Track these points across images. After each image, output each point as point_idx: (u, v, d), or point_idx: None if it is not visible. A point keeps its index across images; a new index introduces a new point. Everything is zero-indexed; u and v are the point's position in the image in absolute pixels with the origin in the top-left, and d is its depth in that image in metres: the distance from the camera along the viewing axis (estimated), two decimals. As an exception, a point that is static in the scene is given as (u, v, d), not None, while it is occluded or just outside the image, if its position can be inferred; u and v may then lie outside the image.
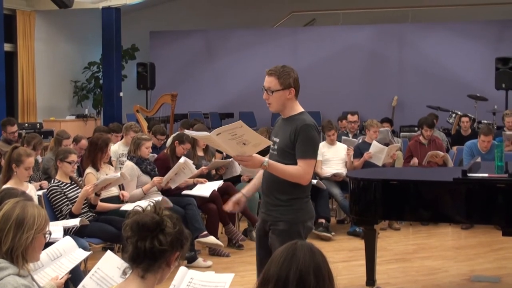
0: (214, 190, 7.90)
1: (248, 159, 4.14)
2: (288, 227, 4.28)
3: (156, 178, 7.49)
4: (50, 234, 3.25)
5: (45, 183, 7.47)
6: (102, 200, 6.73)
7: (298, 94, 4.42)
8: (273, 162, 4.27)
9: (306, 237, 4.36)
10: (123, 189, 7.33)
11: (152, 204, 2.72)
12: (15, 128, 9.56)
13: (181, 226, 2.70)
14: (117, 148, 8.83)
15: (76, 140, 8.62)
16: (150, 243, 2.61)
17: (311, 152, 4.27)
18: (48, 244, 4.25)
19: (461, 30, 16.12)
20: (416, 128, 11.56)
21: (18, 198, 3.39)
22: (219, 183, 8.01)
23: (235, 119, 15.65)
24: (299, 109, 4.41)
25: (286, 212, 4.30)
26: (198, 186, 7.99)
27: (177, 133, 9.39)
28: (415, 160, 9.39)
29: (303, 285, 2.28)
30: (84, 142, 8.45)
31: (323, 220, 8.52)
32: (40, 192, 6.61)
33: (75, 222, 6.05)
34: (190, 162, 7.62)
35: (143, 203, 2.80)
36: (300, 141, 4.25)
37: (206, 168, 8.28)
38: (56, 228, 5.45)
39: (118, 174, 6.76)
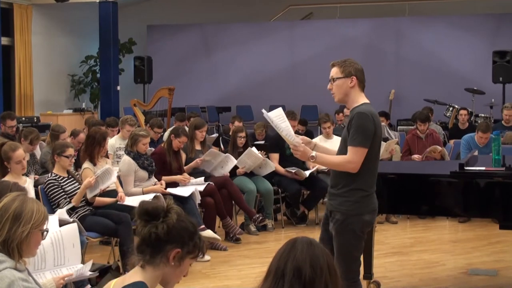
0: (209, 184, 7.91)
1: (299, 150, 4.32)
2: (344, 219, 4.35)
3: (158, 187, 7.47)
4: (47, 231, 3.25)
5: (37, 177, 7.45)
6: (101, 195, 6.73)
7: (363, 86, 4.47)
8: (320, 154, 4.37)
9: (363, 230, 4.39)
10: (121, 184, 7.34)
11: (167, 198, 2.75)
12: (14, 122, 9.56)
13: (188, 225, 2.70)
14: (114, 142, 8.83)
15: (74, 134, 8.62)
16: (149, 230, 2.62)
17: (359, 140, 4.24)
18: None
19: (458, 24, 16.11)
20: (412, 122, 11.58)
21: (19, 192, 3.39)
22: (202, 186, 7.91)
23: (232, 113, 15.66)
24: (362, 100, 4.42)
25: (343, 203, 4.36)
26: (180, 186, 7.92)
27: (173, 126, 9.40)
28: (415, 156, 9.39)
29: (299, 275, 2.31)
30: (82, 136, 8.46)
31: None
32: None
33: (64, 217, 6.04)
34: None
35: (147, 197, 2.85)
36: (351, 129, 4.30)
37: (201, 160, 8.28)
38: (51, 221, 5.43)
39: (114, 178, 6.77)
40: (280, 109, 4.54)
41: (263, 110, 4.51)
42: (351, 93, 4.42)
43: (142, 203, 2.71)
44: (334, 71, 4.46)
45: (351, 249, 4.41)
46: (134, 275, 2.66)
